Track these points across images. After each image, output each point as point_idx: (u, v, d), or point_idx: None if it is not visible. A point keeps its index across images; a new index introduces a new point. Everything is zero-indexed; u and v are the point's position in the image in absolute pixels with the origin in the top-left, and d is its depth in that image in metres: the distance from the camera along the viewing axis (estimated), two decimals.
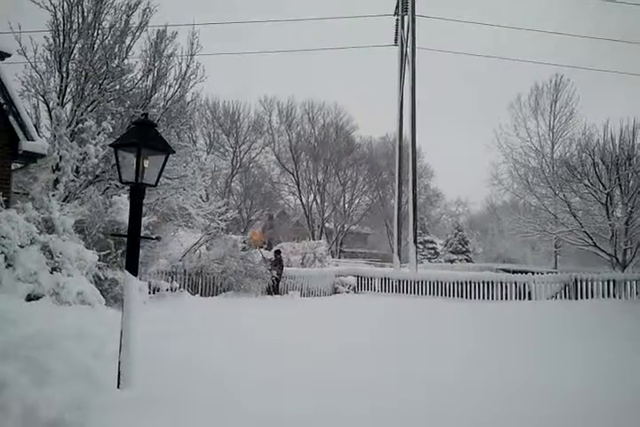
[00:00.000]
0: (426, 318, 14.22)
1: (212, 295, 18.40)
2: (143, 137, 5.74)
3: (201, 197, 19.65)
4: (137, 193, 5.89)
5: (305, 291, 20.87)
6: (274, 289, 19.71)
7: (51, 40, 15.72)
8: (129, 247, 5.85)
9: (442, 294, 20.11)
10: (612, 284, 18.16)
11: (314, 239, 36.37)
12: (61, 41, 15.79)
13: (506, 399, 6.16)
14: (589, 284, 18.35)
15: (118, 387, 5.43)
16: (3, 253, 9.94)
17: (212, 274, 18.61)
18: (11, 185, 12.33)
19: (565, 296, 18.56)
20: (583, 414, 5.66)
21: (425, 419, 5.44)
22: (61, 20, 15.75)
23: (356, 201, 51.92)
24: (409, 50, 25.61)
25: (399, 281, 21.39)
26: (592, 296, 18.15)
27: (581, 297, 18.24)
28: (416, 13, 25.67)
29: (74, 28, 15.88)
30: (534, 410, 5.78)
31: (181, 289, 17.44)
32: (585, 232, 23.15)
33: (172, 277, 17.90)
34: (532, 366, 8.12)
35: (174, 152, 6.42)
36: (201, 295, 17.93)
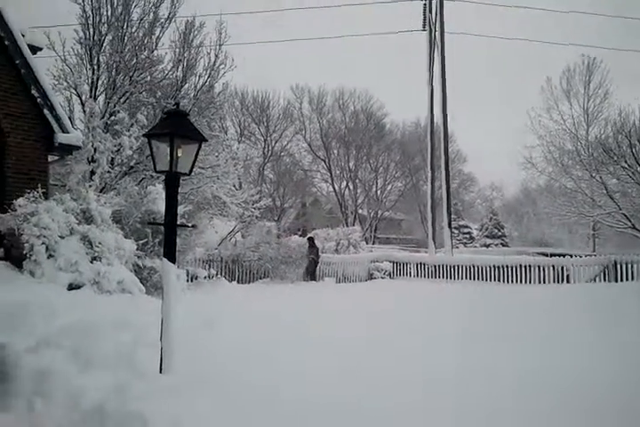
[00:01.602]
0: (455, 304, 14.05)
1: (249, 282, 18.58)
2: (176, 126, 5.77)
3: (234, 186, 19.80)
4: (172, 182, 5.93)
5: (340, 277, 20.91)
6: (311, 275, 19.81)
7: (81, 33, 15.94)
8: (166, 235, 5.91)
9: (478, 279, 19.96)
10: None
11: (347, 226, 36.33)
12: (91, 34, 15.99)
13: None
14: (629, 266, 18.03)
15: (161, 372, 5.51)
16: (44, 243, 10.14)
17: (249, 261, 18.77)
18: (48, 177, 12.54)
19: (605, 279, 18.28)
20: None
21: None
22: (90, 13, 15.92)
23: (389, 187, 51.66)
24: (437, 34, 25.29)
25: (435, 266, 21.30)
26: (632, 279, 17.84)
27: (621, 280, 17.94)
28: None
29: (103, 20, 16.06)
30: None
31: (218, 276, 17.63)
32: (623, 214, 22.76)
33: (209, 265, 18.11)
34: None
35: (207, 140, 6.45)
36: (238, 282, 18.12)
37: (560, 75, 37.74)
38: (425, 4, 26.94)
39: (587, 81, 36.69)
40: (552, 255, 24.16)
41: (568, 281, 18.53)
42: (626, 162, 22.34)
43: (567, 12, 35.32)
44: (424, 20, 27.27)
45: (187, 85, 17.40)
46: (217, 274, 17.82)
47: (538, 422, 5.03)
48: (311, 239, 21.09)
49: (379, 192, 50.66)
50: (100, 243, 10.83)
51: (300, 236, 26.59)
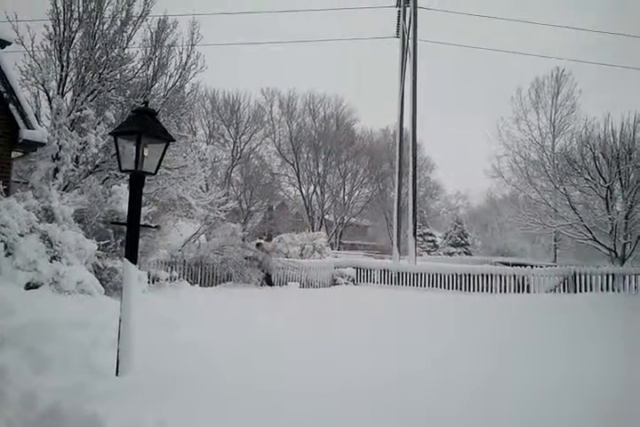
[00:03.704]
0: (418, 312, 14.18)
1: (212, 285, 18.45)
2: (143, 125, 5.74)
3: (201, 188, 19.65)
4: (136, 181, 5.89)
5: (304, 282, 20.90)
6: (267, 280, 19.87)
7: (51, 29, 15.67)
8: (128, 235, 5.85)
9: (440, 286, 20.13)
10: (610, 278, 18.18)
11: (313, 231, 36.32)
12: (62, 30, 15.74)
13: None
14: (588, 277, 18.37)
15: (117, 374, 5.46)
16: (2, 241, 9.95)
17: (212, 264, 18.65)
18: (11, 174, 12.30)
19: (564, 290, 18.59)
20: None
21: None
22: (62, 8, 15.70)
23: (356, 193, 51.83)
24: (410, 42, 25.53)
25: (398, 273, 21.42)
26: (591, 290, 18.18)
27: (580, 291, 18.27)
28: (418, 5, 25.61)
29: (74, 16, 15.83)
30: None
31: (180, 279, 17.50)
32: (584, 226, 23.15)
33: (172, 268, 17.94)
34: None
35: (174, 140, 6.41)
36: (200, 285, 17.98)
37: (529, 86, 38.40)
38: (399, 12, 27.20)
39: (555, 93, 37.38)
40: (513, 265, 24.51)
41: (528, 291, 18.81)
42: (589, 174, 22.75)
43: (542, 23, 35.83)
44: (397, 27, 27.54)
45: (157, 85, 17.24)
46: (179, 276, 17.67)
47: None
48: (260, 245, 21.09)
49: (346, 198, 50.79)
50: (60, 242, 10.67)
51: (266, 240, 26.51)
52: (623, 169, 22.00)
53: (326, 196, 50.10)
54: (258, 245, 21.05)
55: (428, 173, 54.54)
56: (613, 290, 17.96)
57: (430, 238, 53.86)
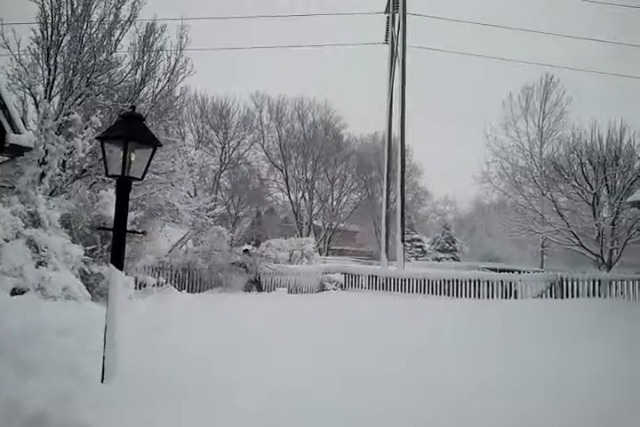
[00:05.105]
0: (407, 317, 14.18)
1: (199, 291, 18.34)
2: (131, 130, 5.71)
3: (189, 193, 19.60)
4: (123, 186, 5.86)
5: (292, 288, 20.85)
6: (256, 285, 19.83)
7: (38, 33, 15.64)
8: (114, 241, 5.82)
9: (428, 292, 20.14)
10: (597, 283, 18.24)
11: (302, 236, 36.31)
12: (49, 34, 15.70)
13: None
14: (575, 283, 18.43)
15: (102, 381, 5.40)
16: None
17: (199, 270, 18.56)
18: None
19: (551, 295, 18.64)
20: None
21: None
22: (49, 12, 15.66)
23: (345, 199, 51.87)
24: (399, 48, 25.60)
25: (386, 279, 21.41)
26: (577, 296, 18.24)
27: (567, 296, 18.32)
28: (407, 11, 25.71)
29: (62, 20, 15.79)
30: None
31: (168, 285, 17.38)
32: (571, 232, 23.25)
33: (159, 273, 17.84)
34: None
35: (161, 145, 6.38)
36: (188, 291, 17.84)
37: (519, 92, 38.60)
38: (388, 18, 27.28)
39: (543, 99, 37.62)
40: (501, 271, 24.56)
41: (516, 297, 18.84)
42: (576, 181, 22.86)
43: (532, 31, 35.98)
44: (386, 33, 27.62)
45: (145, 89, 17.21)
46: (166, 282, 17.56)
47: None
48: (247, 251, 21.04)
49: (334, 203, 50.84)
50: (46, 247, 10.62)
51: (254, 245, 26.45)
52: (610, 175, 22.13)
53: (315, 201, 50.13)
54: (245, 251, 20.99)
55: (416, 178, 54.65)
56: (600, 295, 18.02)
57: (418, 244, 53.94)
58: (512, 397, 6.23)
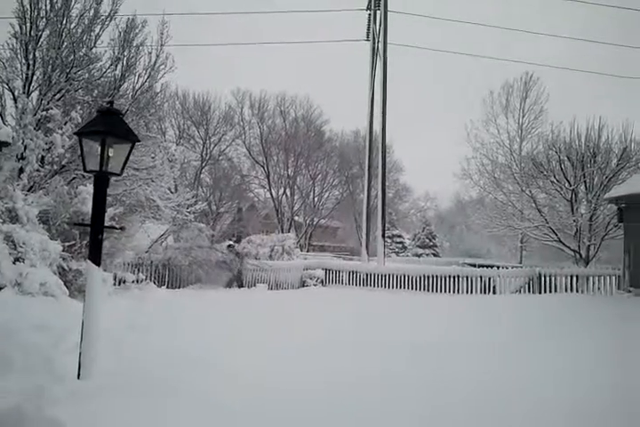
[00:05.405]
0: (386, 312, 14.25)
1: (179, 287, 18.32)
2: (108, 125, 5.70)
3: (169, 189, 19.51)
4: (101, 182, 5.86)
5: (273, 284, 20.87)
6: (237, 281, 19.84)
7: (17, 27, 15.48)
8: (92, 237, 5.81)
9: (408, 288, 20.27)
10: (575, 279, 18.45)
11: (283, 232, 36.28)
12: (28, 28, 15.55)
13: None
14: (553, 278, 18.63)
15: (79, 378, 5.40)
16: None
17: (180, 266, 18.53)
18: None
19: (529, 290, 18.83)
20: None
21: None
22: (28, 7, 15.50)
23: (326, 195, 51.86)
24: (380, 45, 25.67)
25: (367, 274, 21.50)
26: (555, 290, 18.44)
27: (545, 291, 18.52)
28: (388, 9, 25.77)
29: (41, 15, 15.64)
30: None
31: (147, 281, 17.34)
32: (550, 228, 23.53)
33: (139, 269, 17.78)
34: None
35: (140, 141, 6.38)
36: (167, 287, 17.83)
37: (499, 89, 38.88)
38: (369, 15, 27.34)
39: (523, 97, 37.92)
40: (480, 266, 24.78)
41: (494, 292, 19.01)
42: (555, 177, 23.13)
43: (515, 29, 36.31)
44: (368, 30, 27.68)
45: (125, 85, 17.08)
46: (146, 278, 17.52)
47: None
48: (231, 246, 21.06)
49: (316, 200, 50.83)
50: (24, 243, 10.55)
51: (235, 241, 26.43)
52: (588, 172, 22.42)
53: (296, 197, 50.07)
54: (229, 246, 21.00)
55: (397, 175, 54.80)
56: (577, 291, 18.23)
57: (399, 240, 54.18)
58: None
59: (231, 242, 22.78)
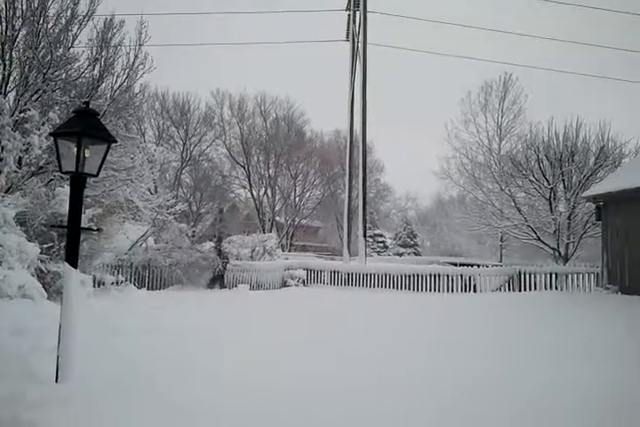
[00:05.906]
0: (363, 311, 14.28)
1: (160, 289, 18.24)
2: (84, 126, 5.67)
3: (149, 190, 19.41)
4: (77, 183, 5.81)
5: (254, 284, 20.83)
6: (219, 282, 19.81)
7: None
8: (69, 239, 5.76)
9: (389, 287, 20.32)
10: (554, 276, 18.60)
11: (264, 233, 36.23)
12: (4, 28, 15.36)
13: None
14: (533, 276, 18.77)
15: (57, 381, 5.35)
16: None
17: (160, 267, 18.44)
18: None
19: (509, 289, 18.96)
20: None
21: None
22: (4, 6, 15.32)
23: (307, 195, 51.90)
24: (360, 45, 25.71)
25: (348, 274, 21.51)
26: (535, 288, 18.58)
27: (525, 289, 18.65)
28: (367, 9, 25.81)
29: (17, 14, 15.46)
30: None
31: (127, 283, 17.22)
32: (529, 226, 23.76)
33: (118, 271, 17.67)
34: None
35: (116, 141, 6.34)
36: (148, 289, 17.72)
37: (478, 89, 39.08)
38: (349, 15, 27.37)
39: (502, 97, 38.16)
40: (461, 265, 24.92)
41: (475, 290, 19.12)
42: (533, 176, 23.36)
43: (492, 29, 36.53)
44: (347, 30, 27.71)
45: (103, 85, 16.92)
46: (126, 280, 17.40)
47: None
48: (213, 247, 20.99)
49: (297, 200, 50.84)
50: (1, 245, 10.42)
51: (217, 242, 26.33)
52: (566, 171, 22.66)
53: (277, 198, 50.06)
54: (212, 247, 20.93)
55: (378, 174, 54.98)
56: (556, 288, 18.37)
57: (380, 239, 54.32)
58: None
59: (212, 243, 22.70)
